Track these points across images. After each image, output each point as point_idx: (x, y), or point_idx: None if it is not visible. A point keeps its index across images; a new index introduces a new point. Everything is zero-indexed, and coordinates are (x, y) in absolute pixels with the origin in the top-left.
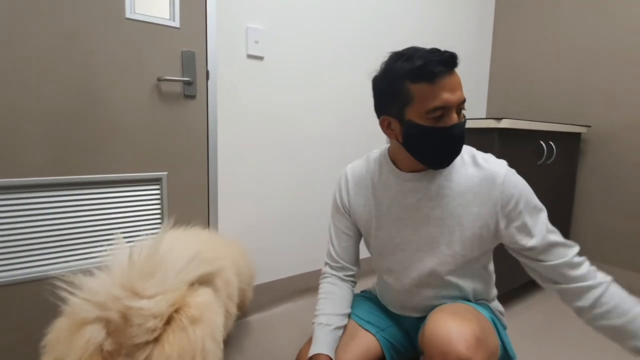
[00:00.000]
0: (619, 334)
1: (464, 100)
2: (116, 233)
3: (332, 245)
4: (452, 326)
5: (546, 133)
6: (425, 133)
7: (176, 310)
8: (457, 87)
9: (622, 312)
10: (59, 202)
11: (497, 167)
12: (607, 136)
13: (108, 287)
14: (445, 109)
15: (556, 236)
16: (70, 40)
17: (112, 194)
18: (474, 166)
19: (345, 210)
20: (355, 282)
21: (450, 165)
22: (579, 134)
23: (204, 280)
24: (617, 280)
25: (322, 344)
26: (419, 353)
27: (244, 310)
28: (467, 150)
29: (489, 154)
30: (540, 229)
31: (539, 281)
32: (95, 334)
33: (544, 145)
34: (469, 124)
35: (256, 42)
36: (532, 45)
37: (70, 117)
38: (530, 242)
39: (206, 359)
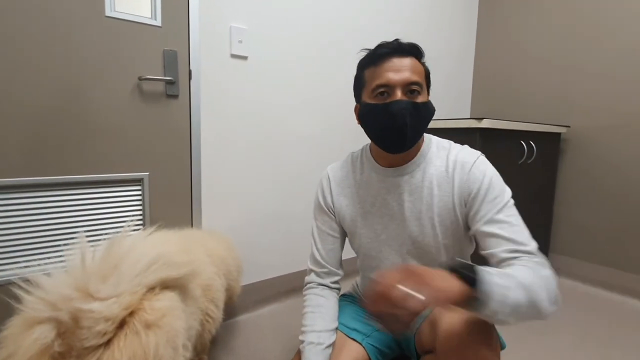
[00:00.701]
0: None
1: (415, 83)
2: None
3: (317, 249)
4: (466, 323)
5: (526, 133)
6: (370, 110)
7: (131, 314)
8: (404, 68)
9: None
10: (36, 204)
11: (467, 156)
12: (585, 136)
13: (61, 287)
14: (387, 86)
15: (503, 229)
16: (49, 39)
17: (91, 195)
18: (447, 157)
19: (329, 211)
20: (339, 289)
21: (427, 158)
22: (559, 134)
23: (169, 285)
24: (597, 276)
25: None
26: (406, 352)
27: (232, 305)
28: (443, 142)
29: (465, 145)
30: (489, 216)
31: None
32: (45, 333)
33: (524, 144)
34: (451, 124)
35: (240, 41)
36: (514, 48)
37: (48, 116)
38: (484, 227)
39: None
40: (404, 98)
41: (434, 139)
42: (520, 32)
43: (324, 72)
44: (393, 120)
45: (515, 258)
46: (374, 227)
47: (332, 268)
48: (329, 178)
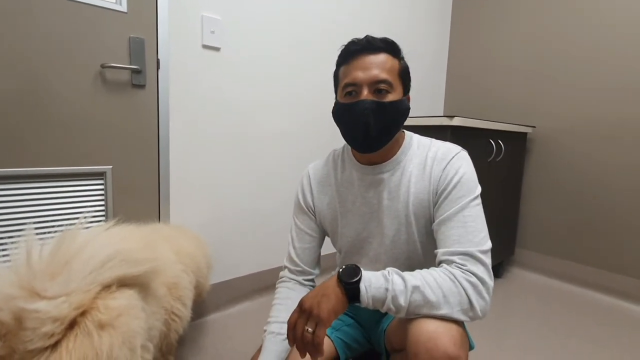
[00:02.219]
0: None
1: (383, 81)
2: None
3: (293, 248)
4: (438, 325)
5: (495, 132)
6: (338, 110)
7: (82, 314)
8: (373, 66)
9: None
10: None
11: (446, 152)
12: (549, 136)
13: (2, 285)
14: (355, 85)
15: (452, 230)
16: (3, 22)
17: (48, 189)
18: (426, 154)
19: (309, 210)
20: (314, 286)
21: (408, 156)
22: (525, 133)
23: (128, 283)
24: (558, 270)
25: (271, 355)
26: (375, 348)
27: (201, 302)
28: (425, 140)
29: (447, 142)
30: (445, 216)
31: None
32: None
33: (493, 143)
34: (423, 122)
35: (212, 32)
36: (485, 51)
37: (1, 104)
38: (435, 222)
39: None
40: (370, 97)
41: (415, 137)
42: (491, 37)
43: (299, 67)
44: (356, 121)
45: (445, 261)
46: (355, 226)
47: (306, 267)
48: (309, 177)
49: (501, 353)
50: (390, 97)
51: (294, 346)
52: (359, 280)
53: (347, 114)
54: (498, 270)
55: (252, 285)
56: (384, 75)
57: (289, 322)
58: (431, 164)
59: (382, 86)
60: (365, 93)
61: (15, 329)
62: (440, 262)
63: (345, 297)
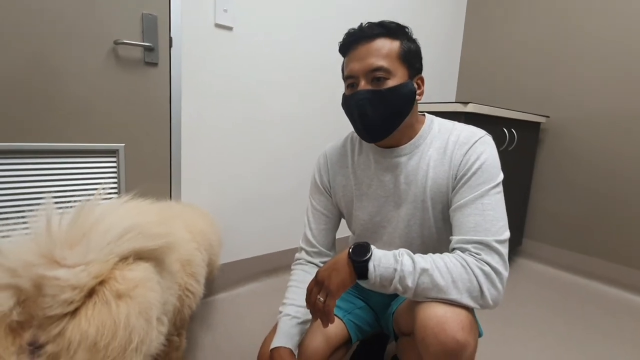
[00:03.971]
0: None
1: (378, 69)
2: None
3: (310, 228)
4: (446, 310)
5: (509, 120)
6: (343, 101)
7: (101, 283)
8: (368, 55)
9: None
10: (1, 172)
11: (468, 136)
12: (563, 127)
13: (22, 253)
14: (353, 78)
15: (469, 217)
16: None
17: (61, 164)
18: (448, 138)
19: (325, 191)
20: None
21: (428, 139)
22: (539, 123)
23: (144, 256)
24: (567, 262)
25: (285, 337)
26: (385, 331)
27: (211, 279)
28: (447, 123)
29: (470, 126)
30: (463, 202)
31: None
32: (0, 301)
33: (506, 132)
34: (436, 108)
35: (225, 10)
36: (501, 37)
37: (16, 80)
38: (452, 207)
39: (132, 336)
40: (368, 87)
41: (437, 120)
42: (507, 24)
43: (314, 50)
44: (354, 113)
45: (459, 249)
46: (369, 209)
47: (322, 248)
48: (326, 157)
49: (505, 342)
50: (390, 83)
51: (311, 326)
52: (369, 258)
53: (347, 107)
54: None
55: (261, 267)
56: (379, 63)
57: (307, 289)
58: (452, 147)
59: (379, 74)
60: (362, 84)
61: (34, 296)
62: (454, 249)
63: (353, 273)
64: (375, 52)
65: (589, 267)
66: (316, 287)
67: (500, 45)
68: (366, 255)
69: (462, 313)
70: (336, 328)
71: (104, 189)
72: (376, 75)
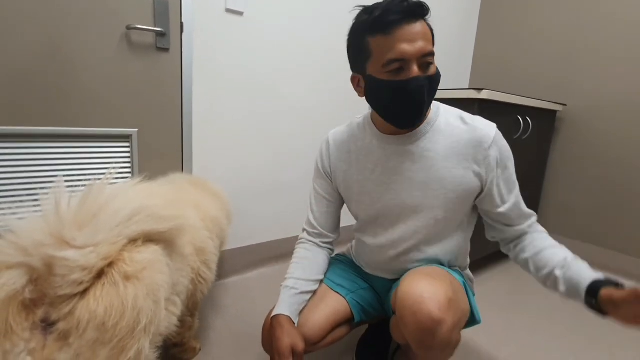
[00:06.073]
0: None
1: (430, 53)
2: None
3: (312, 211)
4: (425, 287)
5: (524, 108)
6: (382, 88)
7: (109, 265)
8: (418, 37)
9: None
10: (16, 155)
11: (486, 129)
12: (580, 116)
13: (33, 232)
14: (402, 61)
15: (523, 207)
16: None
17: (76, 149)
18: (461, 128)
19: (326, 175)
20: (332, 250)
21: (435, 127)
22: (555, 111)
23: (154, 238)
24: (580, 253)
25: (284, 306)
26: (388, 314)
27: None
28: (453, 111)
29: (478, 116)
30: (512, 196)
31: (501, 243)
32: (14, 279)
33: (521, 120)
34: (449, 94)
35: None
36: (517, 23)
37: (30, 65)
38: (501, 209)
39: (140, 316)
40: (420, 74)
41: (442, 107)
42: (525, 7)
43: (324, 37)
44: (411, 100)
45: (531, 231)
46: (371, 195)
47: (323, 231)
48: (329, 142)
49: (513, 331)
50: (433, 69)
51: (313, 300)
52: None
53: (397, 93)
54: None
55: (270, 253)
56: (429, 47)
57: None
58: (466, 136)
59: (429, 59)
60: (415, 70)
61: (45, 275)
62: (526, 233)
63: None
64: (424, 36)
65: (603, 260)
66: None
67: (515, 32)
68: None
69: (441, 293)
70: (338, 304)
71: (113, 170)
72: (427, 60)
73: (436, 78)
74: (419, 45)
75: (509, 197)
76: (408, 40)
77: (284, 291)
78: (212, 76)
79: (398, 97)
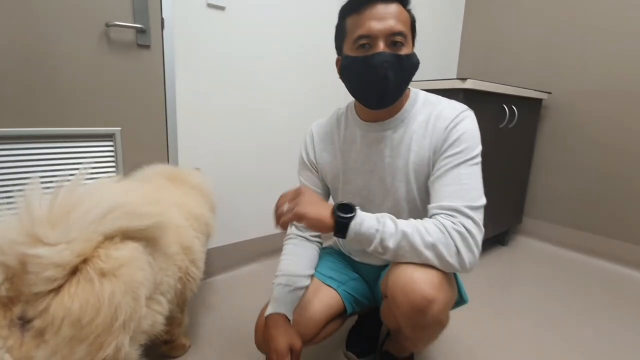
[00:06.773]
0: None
1: (399, 33)
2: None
3: None
4: (415, 268)
5: (509, 97)
6: (350, 63)
7: (84, 262)
8: (389, 17)
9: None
10: None
11: (450, 111)
12: (565, 104)
13: (7, 231)
14: (369, 37)
15: (447, 186)
16: None
17: (58, 149)
18: (431, 112)
19: (312, 167)
20: (321, 243)
21: (412, 113)
22: (540, 99)
23: (133, 236)
24: (568, 239)
25: (279, 304)
26: (378, 302)
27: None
28: (430, 97)
29: (453, 101)
30: (441, 171)
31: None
32: None
33: (506, 108)
34: (435, 85)
35: None
36: (502, 12)
37: (8, 64)
38: (431, 178)
39: (117, 313)
40: (387, 50)
41: (422, 94)
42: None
43: (308, 29)
44: (374, 75)
45: (436, 215)
46: (356, 183)
47: None
48: (312, 134)
49: (504, 318)
50: (405, 51)
51: (306, 296)
52: (352, 217)
53: (362, 68)
54: (503, 238)
55: (260, 248)
56: (400, 27)
57: (281, 195)
58: (434, 121)
59: (398, 38)
60: (381, 46)
61: (20, 273)
62: (432, 215)
63: (332, 227)
64: (397, 16)
65: (590, 244)
66: (291, 198)
67: (502, 19)
68: (350, 214)
69: (432, 272)
70: (331, 299)
71: (84, 171)
72: (396, 39)
73: (408, 60)
74: (389, 23)
75: (444, 171)
76: (377, 18)
77: (276, 288)
78: (195, 72)
79: (363, 71)
